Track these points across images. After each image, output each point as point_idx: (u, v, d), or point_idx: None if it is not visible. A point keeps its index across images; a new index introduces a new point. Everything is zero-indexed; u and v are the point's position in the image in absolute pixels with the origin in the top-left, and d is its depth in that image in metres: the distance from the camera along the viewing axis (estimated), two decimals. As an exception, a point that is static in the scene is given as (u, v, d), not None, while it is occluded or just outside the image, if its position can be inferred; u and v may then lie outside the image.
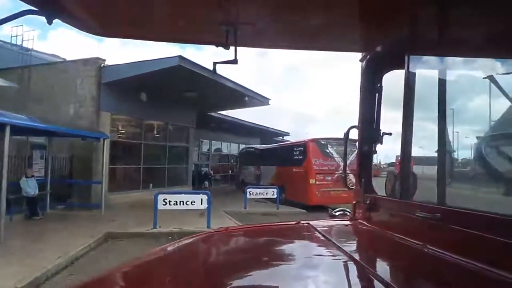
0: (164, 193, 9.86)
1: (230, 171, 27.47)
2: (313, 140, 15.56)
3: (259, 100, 17.31)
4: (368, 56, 1.93)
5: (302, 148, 15.75)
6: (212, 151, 27.16)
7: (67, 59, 16.06)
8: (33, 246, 6.92)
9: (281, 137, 33.48)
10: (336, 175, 14.80)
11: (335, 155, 15.08)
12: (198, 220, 9.70)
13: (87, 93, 12.82)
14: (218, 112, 20.65)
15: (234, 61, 1.53)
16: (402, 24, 1.52)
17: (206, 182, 22.47)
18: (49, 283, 5.35)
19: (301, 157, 15.59)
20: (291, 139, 31.40)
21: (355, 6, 1.40)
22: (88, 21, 1.53)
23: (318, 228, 1.80)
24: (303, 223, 1.94)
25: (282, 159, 17.31)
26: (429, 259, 1.23)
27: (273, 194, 14.47)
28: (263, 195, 14.72)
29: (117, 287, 1.28)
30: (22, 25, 14.62)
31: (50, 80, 13.13)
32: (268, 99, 18.01)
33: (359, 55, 2.01)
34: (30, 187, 9.81)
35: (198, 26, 1.64)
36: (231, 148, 29.23)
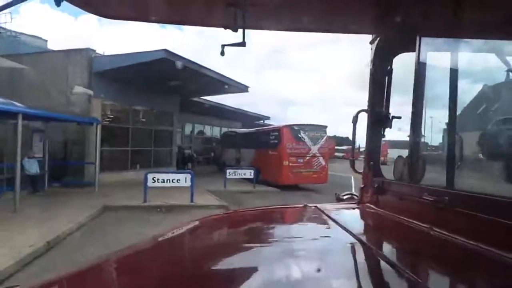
0: (153, 172, 11.33)
1: (212, 153, 28.82)
2: (287, 126, 17.20)
3: (239, 87, 18.72)
4: (379, 38, 1.90)
5: (277, 133, 17.32)
6: (195, 134, 28.44)
7: (47, 39, 16.82)
8: (45, 215, 8.33)
9: (261, 121, 34.86)
10: (307, 158, 16.64)
11: (306, 139, 16.82)
12: (181, 196, 11.23)
13: (79, 81, 13.92)
14: (201, 97, 21.93)
15: (242, 44, 1.50)
16: (413, 5, 1.48)
17: (189, 164, 23.73)
18: (68, 239, 6.94)
19: (276, 141, 17.16)
20: (272, 122, 33.06)
21: None
22: (93, 1, 1.55)
23: (325, 211, 1.79)
24: (311, 206, 1.93)
25: (260, 143, 18.81)
26: (436, 242, 1.23)
27: (250, 175, 15.96)
28: (242, 175, 16.17)
29: (124, 269, 1.27)
30: None
31: (43, 68, 14.12)
32: (247, 86, 19.33)
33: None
34: (32, 167, 11.10)
35: (205, 8, 1.60)
36: (213, 131, 30.54)
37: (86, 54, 14.01)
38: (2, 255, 5.30)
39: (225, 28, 1.45)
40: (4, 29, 15.18)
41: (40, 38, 27.73)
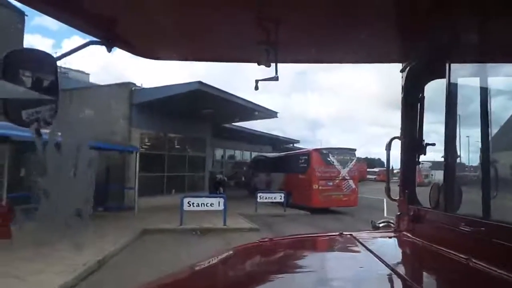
0: (188, 197, 11.97)
1: (243, 178, 29.38)
2: (316, 150, 17.64)
3: (268, 113, 19.41)
4: (409, 67, 1.93)
5: (306, 157, 17.71)
6: (226, 158, 29.23)
7: (89, 72, 18.23)
8: (91, 237, 9.05)
9: (291, 144, 35.26)
10: (336, 181, 16.79)
11: (335, 163, 17.04)
12: (215, 219, 11.72)
13: (120, 112, 15.11)
14: (232, 123, 22.81)
15: (275, 78, 1.55)
16: (442, 32, 1.49)
17: (221, 188, 24.29)
18: (114, 258, 7.64)
19: (305, 165, 17.50)
20: (302, 146, 33.40)
21: (394, 17, 1.40)
22: (140, 47, 1.66)
23: (360, 240, 1.79)
24: (346, 235, 1.92)
25: (289, 167, 19.16)
26: (474, 274, 1.20)
27: (280, 198, 16.22)
28: (272, 199, 16.50)
29: None
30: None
31: (89, 102, 15.42)
32: (276, 112, 20.04)
33: None
34: (79, 193, 12.04)
35: (239, 46, 1.69)
36: (244, 155, 31.22)
37: (126, 88, 15.27)
38: (61, 271, 6.00)
39: (259, 64, 1.52)
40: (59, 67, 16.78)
41: (83, 72, 30.16)
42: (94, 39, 1.39)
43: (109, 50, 1.44)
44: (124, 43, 1.55)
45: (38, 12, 1.26)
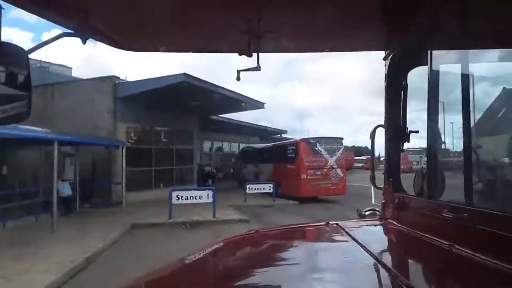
0: (177, 190, 11.90)
1: (231, 169, 29.35)
2: (304, 140, 17.70)
3: (255, 104, 19.36)
4: (392, 54, 1.92)
5: (294, 147, 17.75)
6: (214, 150, 29.11)
7: (71, 66, 17.92)
8: (80, 233, 8.98)
9: (279, 135, 35.30)
10: (324, 170, 16.94)
11: (323, 152, 17.16)
12: (204, 212, 11.71)
13: (104, 106, 14.84)
14: (219, 115, 22.68)
15: (257, 68, 1.52)
16: (424, 19, 1.49)
17: (210, 180, 24.27)
18: (104, 254, 7.53)
19: (293, 155, 17.55)
20: (289, 136, 33.49)
21: (376, 4, 1.40)
22: (117, 38, 1.61)
23: (346, 229, 1.80)
24: (332, 224, 1.94)
25: (278, 157, 19.20)
26: (457, 261, 1.22)
27: (269, 189, 16.36)
28: (261, 190, 16.60)
29: None
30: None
31: (71, 96, 15.12)
32: (263, 103, 20.01)
33: None
34: (65, 189, 11.87)
35: (221, 36, 1.66)
36: (232, 147, 31.15)
37: (110, 81, 14.97)
38: (49, 269, 5.90)
39: (240, 54, 1.51)
40: (36, 60, 16.39)
41: (65, 66, 29.41)
42: (68, 31, 1.35)
43: (84, 42, 1.39)
44: (99, 35, 1.49)
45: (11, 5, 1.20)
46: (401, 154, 2.04)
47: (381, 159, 2.42)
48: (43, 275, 5.65)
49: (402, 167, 2.04)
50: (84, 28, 1.36)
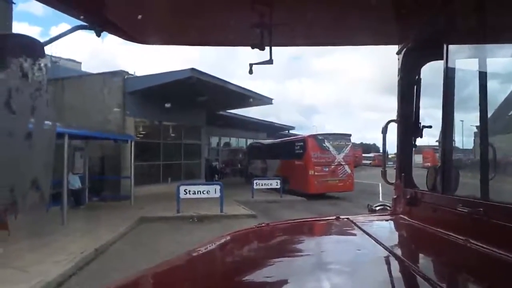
0: (184, 185, 11.98)
1: (239, 165, 29.44)
2: (312, 136, 17.64)
3: (263, 100, 19.33)
4: (406, 48, 1.89)
5: (302, 143, 17.70)
6: (222, 146, 29.23)
7: (80, 61, 18.02)
8: (90, 226, 9.11)
9: (286, 131, 35.27)
10: (332, 166, 16.88)
11: (331, 148, 17.09)
12: (212, 206, 11.77)
13: (114, 101, 14.95)
14: (227, 111, 22.71)
15: (270, 62, 1.53)
16: (439, 13, 1.46)
17: (217, 176, 24.38)
18: (113, 246, 7.67)
19: (301, 151, 17.50)
20: (297, 132, 33.47)
21: None
22: (131, 31, 1.61)
23: (357, 223, 1.79)
24: (343, 218, 1.92)
25: (285, 153, 19.15)
26: (471, 255, 1.21)
27: (277, 185, 16.38)
28: (268, 185, 16.68)
29: (158, 284, 1.32)
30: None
31: (81, 90, 15.25)
32: (271, 99, 19.94)
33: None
34: (75, 182, 12.03)
35: (234, 29, 1.65)
36: (239, 142, 31.23)
37: (119, 76, 15.07)
38: (61, 260, 6.02)
39: (253, 47, 1.50)
40: (47, 55, 16.53)
41: (75, 61, 29.68)
42: (83, 23, 1.35)
43: (98, 35, 1.41)
44: (113, 28, 1.50)
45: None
46: (429, 151, 1.98)
47: (390, 156, 2.44)
48: (56, 266, 5.78)
49: (428, 164, 1.92)
50: (98, 21, 1.37)
